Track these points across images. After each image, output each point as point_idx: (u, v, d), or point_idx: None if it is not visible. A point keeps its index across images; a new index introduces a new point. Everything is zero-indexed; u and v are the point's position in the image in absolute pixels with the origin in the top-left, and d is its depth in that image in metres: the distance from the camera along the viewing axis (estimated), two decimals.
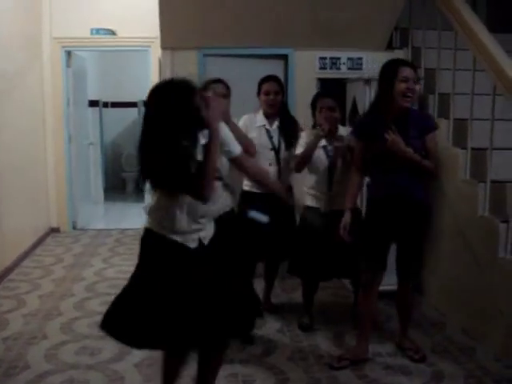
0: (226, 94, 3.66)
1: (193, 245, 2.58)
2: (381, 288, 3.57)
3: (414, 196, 3.36)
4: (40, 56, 6.67)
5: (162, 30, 4.68)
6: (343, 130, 3.91)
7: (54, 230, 7.01)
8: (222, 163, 2.93)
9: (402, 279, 3.55)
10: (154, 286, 2.50)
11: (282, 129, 4.09)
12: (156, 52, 5.89)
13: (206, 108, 2.48)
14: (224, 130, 2.70)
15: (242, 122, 4.05)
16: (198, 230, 2.59)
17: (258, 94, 4.12)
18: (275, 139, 4.07)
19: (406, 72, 3.22)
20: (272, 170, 3.99)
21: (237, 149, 2.78)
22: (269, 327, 4.08)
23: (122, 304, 2.57)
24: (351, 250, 3.66)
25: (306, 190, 4.02)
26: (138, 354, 3.45)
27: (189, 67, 4.78)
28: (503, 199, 3.73)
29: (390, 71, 3.29)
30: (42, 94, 6.74)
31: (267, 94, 4.04)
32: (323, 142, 3.84)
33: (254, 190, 3.99)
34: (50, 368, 3.40)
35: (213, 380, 2.84)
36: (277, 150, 4.06)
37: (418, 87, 3.31)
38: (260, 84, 4.11)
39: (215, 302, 2.52)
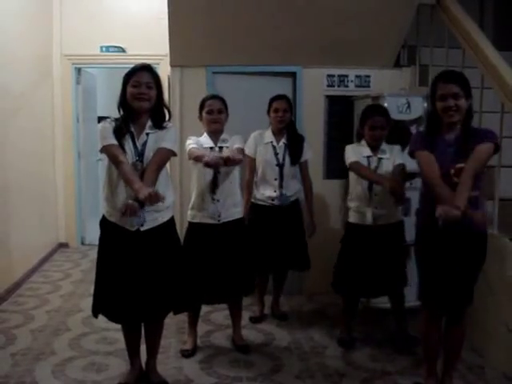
0: (222, 110, 3.79)
1: (131, 228, 3.06)
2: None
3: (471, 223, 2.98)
4: (50, 73, 6.73)
5: (171, 48, 4.71)
6: (384, 145, 3.89)
7: (63, 246, 7.03)
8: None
9: (453, 316, 3.19)
10: (103, 266, 3.17)
11: (288, 146, 4.27)
12: (165, 69, 5.91)
13: None
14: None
15: (251, 138, 4.29)
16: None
17: (268, 111, 4.29)
18: (280, 156, 4.25)
19: (444, 89, 3.00)
20: (276, 183, 4.24)
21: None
22: (276, 344, 4.07)
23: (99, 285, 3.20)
24: (394, 267, 3.74)
25: (349, 206, 4.04)
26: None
27: (198, 84, 4.81)
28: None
29: (431, 89, 3.14)
30: (52, 110, 6.79)
31: (276, 111, 4.23)
32: (368, 153, 3.87)
33: (262, 202, 4.28)
34: None
35: (154, 352, 3.44)
36: (281, 166, 4.25)
37: (461, 102, 2.98)
38: (270, 102, 4.29)
39: (146, 281, 3.07)
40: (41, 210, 6.36)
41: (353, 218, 3.98)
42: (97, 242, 3.22)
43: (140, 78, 3.07)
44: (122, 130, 3.05)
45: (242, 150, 3.78)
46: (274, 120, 4.25)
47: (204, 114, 3.79)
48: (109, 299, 3.14)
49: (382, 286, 3.93)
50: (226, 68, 4.87)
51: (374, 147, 3.86)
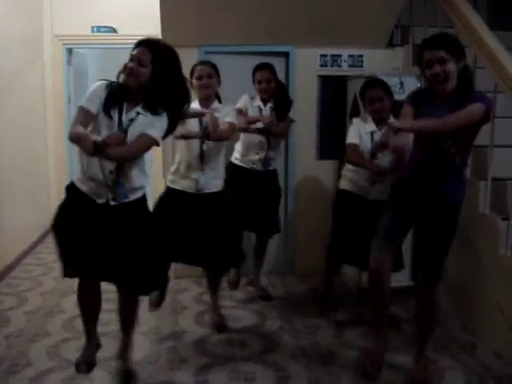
0: (212, 74, 3.78)
1: (99, 201, 2.93)
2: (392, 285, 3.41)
3: (444, 188, 3.06)
4: (41, 54, 6.67)
5: (162, 28, 4.67)
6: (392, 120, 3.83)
7: None
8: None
9: (425, 281, 3.18)
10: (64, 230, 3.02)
11: (274, 108, 4.34)
12: None
13: None
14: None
15: (242, 99, 4.37)
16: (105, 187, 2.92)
17: (253, 81, 4.35)
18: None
19: (430, 55, 2.90)
20: (260, 147, 4.33)
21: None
22: (269, 325, 4.10)
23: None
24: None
25: (344, 174, 4.07)
26: (138, 352, 3.46)
27: (190, 65, 4.76)
28: (504, 197, 3.74)
29: (417, 57, 3.05)
30: (43, 91, 6.73)
31: (260, 82, 4.30)
32: (372, 128, 3.87)
33: (243, 164, 4.37)
34: (52, 365, 3.41)
35: (126, 334, 3.25)
36: (268, 128, 4.30)
37: (449, 67, 2.87)
38: (253, 73, 4.35)
39: (114, 251, 2.93)
40: (33, 191, 6.34)
41: (346, 185, 4.03)
42: None
43: (135, 52, 2.91)
44: (111, 98, 2.88)
45: (233, 126, 3.77)
46: (259, 91, 4.34)
47: (194, 81, 3.77)
48: (71, 253, 3.01)
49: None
50: (218, 48, 4.84)
51: (379, 121, 3.82)
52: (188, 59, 4.78)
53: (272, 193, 4.51)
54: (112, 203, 2.93)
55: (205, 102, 3.79)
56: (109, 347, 3.54)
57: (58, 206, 3.13)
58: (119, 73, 2.92)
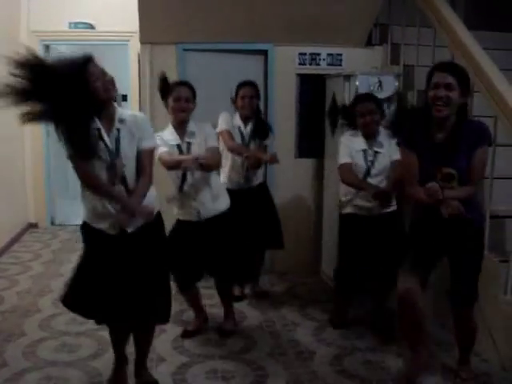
0: (190, 99, 3.59)
1: (112, 232, 2.81)
2: None
3: (465, 226, 2.97)
4: (17, 50, 6.58)
5: (140, 24, 4.64)
6: (383, 134, 3.77)
7: (32, 226, 6.95)
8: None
9: (459, 304, 3.10)
10: (90, 268, 2.87)
11: (254, 131, 4.30)
12: (135, 46, 5.85)
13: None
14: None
15: (224, 121, 4.23)
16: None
17: (235, 98, 4.30)
18: (246, 140, 4.29)
19: (439, 78, 2.85)
20: (243, 168, 4.28)
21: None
22: (248, 323, 4.10)
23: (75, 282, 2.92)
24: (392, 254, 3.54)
25: (343, 200, 3.91)
26: None
27: (168, 62, 4.75)
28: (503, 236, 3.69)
29: (427, 78, 2.95)
30: None
31: (243, 98, 4.24)
32: (363, 146, 3.75)
33: (230, 187, 4.23)
34: (28, 365, 3.36)
35: (144, 355, 3.19)
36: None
37: (454, 94, 2.82)
38: (237, 89, 4.28)
39: (129, 286, 2.82)
40: (9, 189, 6.26)
41: (347, 209, 3.89)
42: (67, 222, 3.16)
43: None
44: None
45: (217, 150, 3.71)
46: (241, 107, 4.26)
47: (170, 101, 3.57)
48: (92, 299, 2.86)
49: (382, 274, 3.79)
50: (197, 45, 4.82)
51: (369, 137, 3.74)
52: (166, 56, 4.81)
53: (265, 206, 4.51)
54: (130, 230, 2.86)
55: (180, 126, 3.61)
56: (85, 347, 3.51)
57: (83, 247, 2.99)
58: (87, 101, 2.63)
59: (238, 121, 4.30)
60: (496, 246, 3.60)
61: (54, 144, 7.02)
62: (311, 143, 5.07)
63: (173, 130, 3.63)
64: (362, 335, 3.84)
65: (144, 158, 2.84)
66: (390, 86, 4.36)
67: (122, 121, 2.79)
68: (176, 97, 3.54)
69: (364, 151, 3.74)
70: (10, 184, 6.29)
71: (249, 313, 4.28)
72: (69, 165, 2.74)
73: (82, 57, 2.64)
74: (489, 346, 3.47)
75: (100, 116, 2.73)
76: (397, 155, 3.50)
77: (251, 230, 4.24)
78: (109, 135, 2.75)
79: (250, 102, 4.25)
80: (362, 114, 3.73)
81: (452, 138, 2.91)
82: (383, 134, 3.76)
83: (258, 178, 4.43)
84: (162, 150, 3.49)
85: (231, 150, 4.19)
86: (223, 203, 3.76)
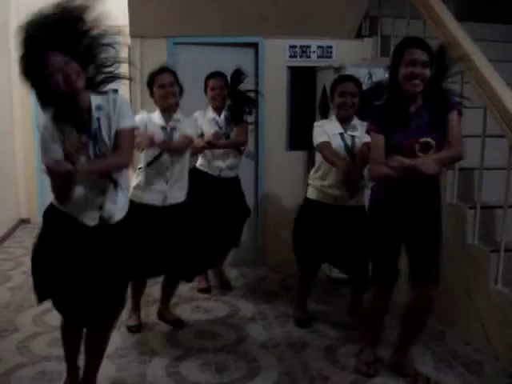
0: (173, 82, 3.62)
1: (91, 223, 2.63)
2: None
3: (425, 196, 3.01)
4: (7, 44, 6.55)
5: (130, 18, 4.62)
6: (356, 118, 3.70)
7: (24, 221, 6.94)
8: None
9: (419, 285, 3.07)
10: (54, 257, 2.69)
11: (230, 115, 4.35)
12: (125, 40, 5.82)
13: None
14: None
15: (198, 122, 4.24)
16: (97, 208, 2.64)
17: (205, 90, 4.36)
18: (224, 127, 4.33)
19: (415, 55, 2.81)
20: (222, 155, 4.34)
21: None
22: (241, 315, 4.11)
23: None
24: (358, 248, 3.57)
25: (312, 183, 3.83)
26: (109, 346, 3.43)
27: (158, 55, 4.74)
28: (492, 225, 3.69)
29: (396, 54, 2.90)
30: (10, 84, 6.61)
31: (213, 89, 4.31)
32: (339, 129, 3.66)
33: (208, 170, 4.36)
34: (21, 361, 3.37)
35: (96, 365, 2.95)
36: (228, 136, 4.35)
37: (427, 72, 2.83)
38: (206, 80, 4.35)
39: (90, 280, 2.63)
40: (0, 185, 6.25)
41: (314, 195, 3.81)
42: None
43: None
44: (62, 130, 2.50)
45: (190, 139, 3.68)
46: (212, 98, 4.34)
47: (156, 89, 3.61)
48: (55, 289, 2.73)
49: (345, 262, 3.86)
50: (187, 39, 4.81)
51: (344, 120, 3.67)
52: (157, 50, 4.80)
53: (238, 201, 4.55)
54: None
55: (167, 112, 3.64)
56: None
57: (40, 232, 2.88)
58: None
59: (211, 113, 4.35)
60: (486, 237, 3.63)
61: None
62: (302, 136, 5.07)
63: (160, 114, 3.67)
64: (354, 326, 3.85)
65: (121, 138, 2.59)
66: (380, 77, 4.36)
67: (99, 107, 2.59)
68: (160, 84, 3.59)
69: (341, 134, 3.65)
70: (1, 179, 6.28)
71: (242, 305, 4.30)
72: None
73: (39, 46, 2.47)
74: (480, 336, 3.50)
75: (75, 111, 2.52)
76: (367, 138, 3.35)
77: (217, 222, 4.29)
78: (90, 127, 2.55)
79: (221, 92, 4.30)
80: (341, 94, 3.63)
81: (423, 108, 2.92)
82: (356, 118, 3.69)
83: (235, 171, 4.48)
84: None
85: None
86: (185, 195, 3.74)
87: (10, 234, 6.35)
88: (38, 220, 6.94)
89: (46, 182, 7.37)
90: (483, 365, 3.34)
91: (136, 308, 3.91)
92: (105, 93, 2.66)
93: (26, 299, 4.36)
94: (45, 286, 2.75)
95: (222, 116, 4.34)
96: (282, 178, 5.11)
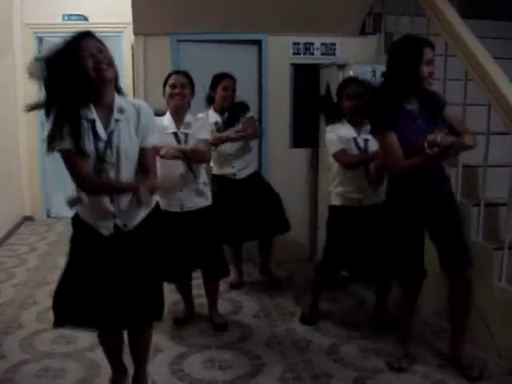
0: (185, 84, 3.61)
1: (106, 232, 2.58)
2: None
3: (440, 190, 3.11)
4: (11, 43, 6.57)
5: (134, 16, 4.62)
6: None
7: (28, 219, 6.95)
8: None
9: (454, 269, 3.13)
10: (79, 271, 2.61)
11: (227, 120, 4.29)
12: (129, 38, 5.83)
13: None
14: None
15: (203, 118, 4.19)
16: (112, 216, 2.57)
17: (214, 88, 4.27)
18: (222, 130, 4.26)
19: (431, 54, 2.92)
20: (231, 159, 4.31)
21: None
22: (244, 312, 4.12)
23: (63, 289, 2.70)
24: (381, 252, 3.47)
25: (333, 190, 3.75)
26: None
27: (162, 53, 4.74)
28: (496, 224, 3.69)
29: (415, 53, 2.90)
30: (14, 80, 6.63)
31: (225, 89, 4.25)
32: (353, 134, 3.59)
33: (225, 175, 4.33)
34: (25, 357, 3.38)
35: (144, 360, 3.00)
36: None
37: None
38: (217, 80, 4.26)
39: (123, 287, 2.59)
40: (4, 182, 6.26)
41: (338, 201, 3.73)
42: (63, 215, 3.08)
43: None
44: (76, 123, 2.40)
45: (206, 144, 3.67)
46: (223, 98, 4.26)
47: (167, 88, 3.62)
48: (80, 303, 2.64)
49: (371, 270, 3.73)
50: (190, 36, 4.81)
51: (356, 123, 3.59)
52: (160, 47, 4.80)
53: (262, 194, 4.48)
54: (127, 229, 2.66)
55: (177, 114, 3.63)
56: (83, 338, 3.53)
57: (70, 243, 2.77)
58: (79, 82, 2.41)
59: (213, 116, 4.28)
60: (490, 234, 3.62)
61: None
62: (306, 133, 5.08)
63: (170, 117, 3.65)
64: (357, 324, 3.86)
65: (148, 157, 2.58)
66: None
67: (121, 110, 2.48)
68: (172, 83, 3.60)
69: (354, 139, 3.59)
70: (5, 177, 6.29)
71: (245, 302, 4.30)
72: None
73: (77, 33, 2.50)
74: (484, 333, 3.49)
75: (95, 103, 2.44)
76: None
77: (243, 218, 4.28)
78: (106, 128, 2.45)
79: (232, 94, 4.27)
80: (350, 97, 3.57)
81: (427, 106, 3.02)
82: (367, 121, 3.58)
83: (249, 168, 4.44)
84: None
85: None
86: (205, 200, 3.73)
87: (13, 231, 6.36)
88: (41, 217, 6.99)
89: (50, 179, 7.42)
90: (487, 363, 3.32)
91: (186, 303, 4.00)
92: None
93: (30, 296, 4.38)
94: (69, 308, 2.68)
95: (224, 118, 4.30)
96: (286, 176, 5.09)
